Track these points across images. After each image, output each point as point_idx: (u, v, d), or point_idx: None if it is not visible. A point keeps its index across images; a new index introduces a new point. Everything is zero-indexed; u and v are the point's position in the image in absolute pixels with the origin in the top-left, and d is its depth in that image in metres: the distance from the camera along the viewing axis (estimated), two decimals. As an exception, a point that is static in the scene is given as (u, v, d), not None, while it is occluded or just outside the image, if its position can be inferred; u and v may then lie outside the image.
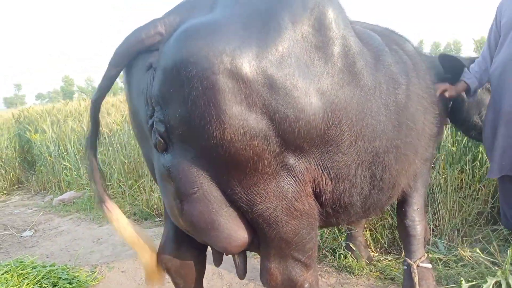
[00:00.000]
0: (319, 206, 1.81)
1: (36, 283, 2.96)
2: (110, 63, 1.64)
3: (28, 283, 2.91)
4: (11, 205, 6.58)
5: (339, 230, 3.54)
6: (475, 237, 3.33)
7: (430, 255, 2.93)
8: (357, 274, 3.10)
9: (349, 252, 3.27)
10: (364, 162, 1.79)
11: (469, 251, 3.08)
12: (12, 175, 7.89)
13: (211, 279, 3.27)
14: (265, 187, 1.60)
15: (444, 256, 3.15)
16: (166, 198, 1.78)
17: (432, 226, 3.47)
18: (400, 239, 3.19)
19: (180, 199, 1.67)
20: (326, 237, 3.61)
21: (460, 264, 3.02)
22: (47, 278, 3.07)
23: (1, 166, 7.84)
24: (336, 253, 3.38)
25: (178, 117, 1.49)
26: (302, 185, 1.66)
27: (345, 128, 1.65)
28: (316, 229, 1.86)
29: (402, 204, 2.50)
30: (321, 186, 1.73)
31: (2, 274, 2.93)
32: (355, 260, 3.21)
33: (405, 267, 2.48)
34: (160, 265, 2.12)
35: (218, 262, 2.06)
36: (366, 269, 3.13)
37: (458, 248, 3.14)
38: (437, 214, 3.49)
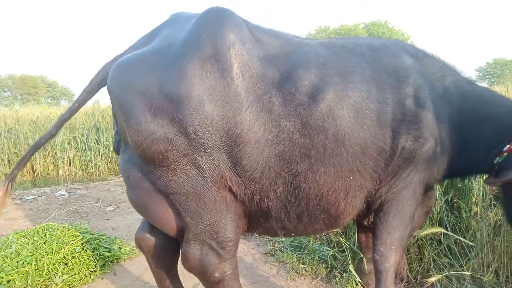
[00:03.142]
0: (236, 203, 1.95)
1: (80, 245, 3.57)
2: (84, 89, 2.18)
3: (73, 243, 3.53)
4: (112, 184, 7.76)
5: (354, 253, 3.38)
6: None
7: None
8: (356, 301, 2.94)
9: (357, 278, 3.10)
10: (271, 167, 1.91)
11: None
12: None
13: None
14: (176, 180, 1.90)
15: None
16: None
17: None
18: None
19: (125, 185, 2.10)
20: (340, 258, 3.48)
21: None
22: (90, 244, 3.67)
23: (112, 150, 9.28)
24: (344, 275, 3.24)
25: (118, 125, 1.99)
26: (212, 183, 1.89)
27: (242, 132, 1.83)
28: (232, 224, 1.99)
29: (372, 236, 2.36)
30: (234, 185, 1.94)
31: (58, 232, 3.61)
32: (362, 287, 3.04)
33: (367, 305, 2.30)
34: (135, 242, 2.45)
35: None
36: (369, 298, 2.94)
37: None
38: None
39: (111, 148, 9.16)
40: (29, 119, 9.24)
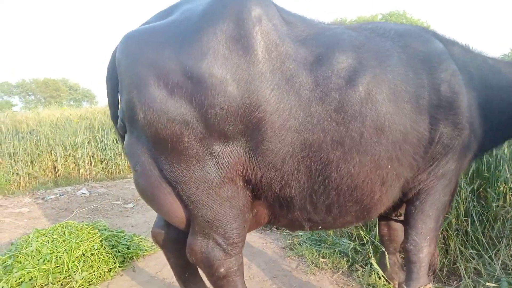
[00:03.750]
0: (249, 195, 1.85)
1: (99, 242, 3.58)
2: (106, 79, 2.01)
3: (92, 240, 3.54)
4: (131, 182, 7.81)
5: (375, 246, 3.27)
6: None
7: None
8: (379, 295, 2.84)
9: (379, 271, 2.99)
10: (294, 154, 1.77)
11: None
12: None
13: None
14: (187, 167, 1.77)
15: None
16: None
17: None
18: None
19: (132, 172, 1.98)
20: (361, 251, 3.37)
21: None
22: (109, 241, 3.67)
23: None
24: (366, 269, 3.14)
25: (124, 102, 1.81)
26: (227, 171, 1.77)
27: (265, 115, 1.69)
28: (240, 218, 1.90)
29: (405, 226, 2.24)
30: (250, 173, 1.81)
31: (77, 230, 3.63)
32: (385, 280, 2.94)
33: (401, 295, 2.20)
34: (152, 237, 2.41)
35: None
36: (392, 292, 2.84)
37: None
38: None
39: (130, 146, 9.24)
40: (50, 120, 9.41)
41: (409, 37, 2.06)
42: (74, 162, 8.69)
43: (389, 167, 1.92)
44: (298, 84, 1.75)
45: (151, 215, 5.42)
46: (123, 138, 2.05)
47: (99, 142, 9.02)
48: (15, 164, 8.14)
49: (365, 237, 3.26)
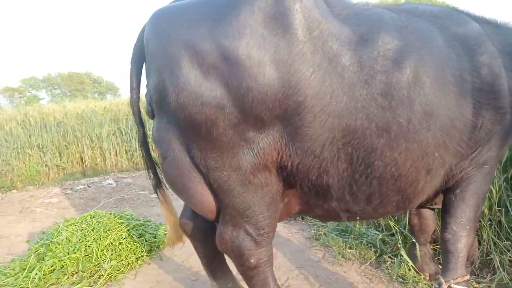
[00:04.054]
0: (282, 184, 1.80)
1: (126, 231, 3.63)
2: (131, 61, 1.94)
3: (120, 229, 3.60)
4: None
5: (404, 237, 3.19)
6: None
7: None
8: (409, 287, 2.77)
9: (409, 262, 2.93)
10: (335, 140, 1.69)
11: None
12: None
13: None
14: (220, 154, 1.70)
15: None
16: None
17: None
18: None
19: (160, 161, 1.93)
20: (390, 242, 3.30)
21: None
22: (136, 230, 3.73)
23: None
24: (395, 260, 3.07)
25: (153, 84, 1.74)
26: (261, 158, 1.71)
27: (305, 99, 1.61)
28: (273, 209, 1.85)
29: (444, 214, 2.15)
30: (285, 160, 1.73)
31: (105, 219, 3.69)
32: (415, 272, 2.87)
33: (436, 286, 2.13)
34: (180, 227, 2.41)
35: None
36: (422, 283, 2.77)
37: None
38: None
39: (154, 137, 9.35)
40: (75, 112, 9.61)
41: (446, 19, 1.96)
42: (100, 153, 8.88)
43: (435, 154, 1.83)
44: (341, 65, 1.65)
45: (176, 205, 5.46)
46: (142, 126, 2.05)
47: (124, 134, 9.16)
48: (44, 156, 8.37)
49: (393, 227, 3.19)
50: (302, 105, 1.62)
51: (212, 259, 2.44)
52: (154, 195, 6.16)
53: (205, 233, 2.34)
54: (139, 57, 1.86)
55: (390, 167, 1.78)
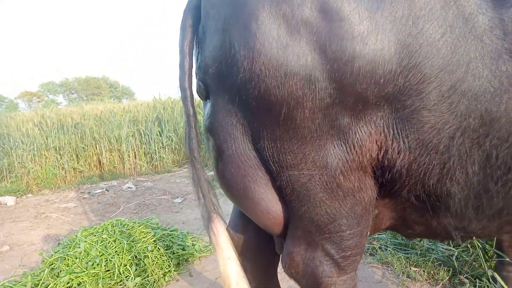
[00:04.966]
0: (377, 190, 1.29)
1: (153, 242, 3.17)
2: (180, 27, 1.40)
3: (145, 240, 3.14)
4: (177, 175, 7.50)
5: (487, 255, 2.64)
6: None
7: None
8: (505, 318, 2.23)
9: (503, 284, 2.38)
10: (468, 131, 1.17)
11: None
12: (184, 151, 9.01)
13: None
14: (302, 146, 1.22)
15: None
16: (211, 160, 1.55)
17: None
18: None
19: (215, 156, 1.43)
20: (467, 260, 2.75)
21: None
22: (163, 240, 3.26)
23: (177, 142, 9.06)
24: (477, 282, 2.52)
25: (213, 50, 1.26)
26: (357, 154, 1.21)
27: (431, 72, 1.12)
28: (364, 223, 1.34)
29: None
30: (390, 158, 1.22)
31: (128, 228, 3.24)
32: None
33: None
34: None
35: (278, 246, 1.71)
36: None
37: None
38: None
39: (174, 139, 8.96)
40: (93, 114, 9.27)
41: None
42: (119, 156, 8.51)
43: None
44: (482, 27, 1.16)
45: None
46: (194, 115, 1.50)
47: (143, 135, 8.80)
48: (61, 158, 8.03)
49: (475, 241, 2.65)
50: (426, 80, 1.12)
51: (264, 284, 1.95)
52: (177, 200, 5.72)
53: (257, 250, 1.86)
54: (194, 17, 1.36)
55: None
